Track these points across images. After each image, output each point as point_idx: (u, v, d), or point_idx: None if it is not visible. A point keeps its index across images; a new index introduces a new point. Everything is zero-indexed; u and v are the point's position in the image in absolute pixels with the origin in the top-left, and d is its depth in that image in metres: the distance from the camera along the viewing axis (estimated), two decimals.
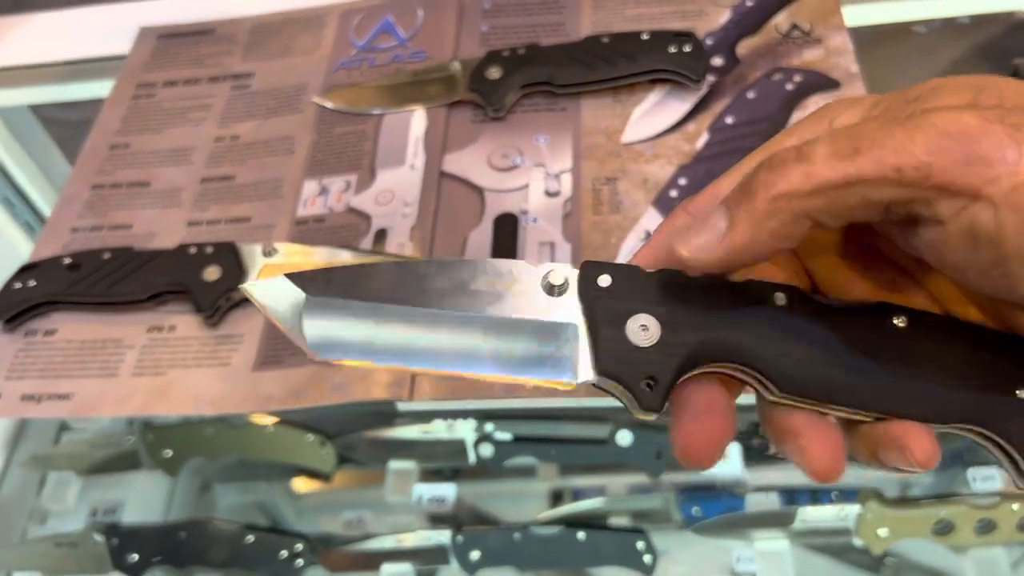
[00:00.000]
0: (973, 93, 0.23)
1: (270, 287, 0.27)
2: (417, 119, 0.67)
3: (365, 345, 0.26)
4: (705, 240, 0.26)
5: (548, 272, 0.27)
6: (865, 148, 0.23)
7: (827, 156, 0.23)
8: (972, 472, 0.61)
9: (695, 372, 0.27)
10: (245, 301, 0.58)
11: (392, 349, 0.26)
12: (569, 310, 0.27)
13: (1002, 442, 0.25)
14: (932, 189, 0.23)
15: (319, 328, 0.26)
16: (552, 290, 0.27)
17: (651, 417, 0.26)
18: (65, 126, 0.85)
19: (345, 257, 0.58)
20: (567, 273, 0.27)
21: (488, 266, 0.27)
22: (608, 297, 0.27)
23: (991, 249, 0.23)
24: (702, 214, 0.26)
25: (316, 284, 0.27)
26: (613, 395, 0.27)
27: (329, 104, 0.69)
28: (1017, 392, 0.25)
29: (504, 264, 0.27)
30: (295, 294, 0.27)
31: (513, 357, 0.26)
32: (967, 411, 0.25)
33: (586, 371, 0.26)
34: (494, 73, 0.65)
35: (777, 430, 0.27)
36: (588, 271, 0.27)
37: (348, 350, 0.26)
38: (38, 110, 0.84)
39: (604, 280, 0.27)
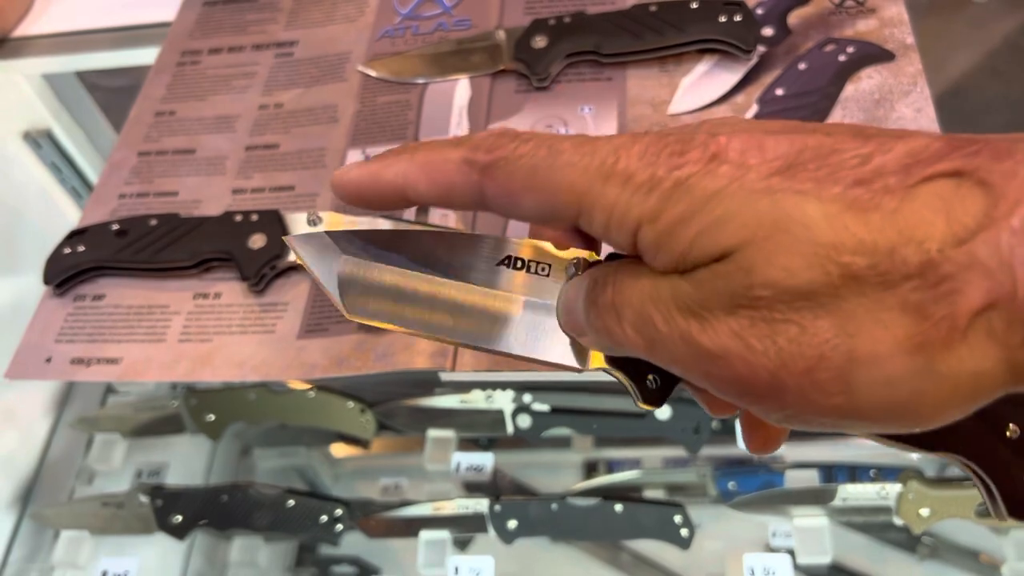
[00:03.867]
0: (739, 295, 0.21)
1: (312, 242, 0.28)
2: (461, 88, 0.66)
3: (392, 309, 0.28)
4: (574, 327, 0.27)
5: (573, 259, 0.28)
6: (657, 343, 0.23)
7: (633, 331, 0.24)
8: None
9: None
10: (290, 269, 0.58)
11: (414, 316, 0.28)
12: None
13: (986, 478, 0.25)
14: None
15: (351, 287, 0.27)
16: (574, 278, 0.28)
17: (654, 409, 0.27)
18: (109, 92, 0.85)
19: (386, 227, 0.58)
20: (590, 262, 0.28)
21: (515, 246, 0.28)
22: None
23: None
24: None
25: (353, 244, 0.28)
26: (622, 383, 0.28)
27: (373, 73, 0.68)
28: (1007, 431, 0.25)
29: (534, 246, 0.28)
30: (334, 252, 0.28)
31: (528, 336, 0.28)
32: (956, 442, 0.25)
33: (597, 359, 0.27)
34: (539, 42, 0.64)
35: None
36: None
37: (376, 312, 0.28)
38: (84, 76, 0.84)
39: None
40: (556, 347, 0.28)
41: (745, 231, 0.21)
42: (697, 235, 0.22)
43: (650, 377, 0.27)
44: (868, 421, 0.21)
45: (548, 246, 0.28)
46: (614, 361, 0.27)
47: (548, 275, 0.28)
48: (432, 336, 0.28)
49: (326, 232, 0.28)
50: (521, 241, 0.28)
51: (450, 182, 0.27)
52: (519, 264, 0.28)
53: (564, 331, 0.27)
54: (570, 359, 0.28)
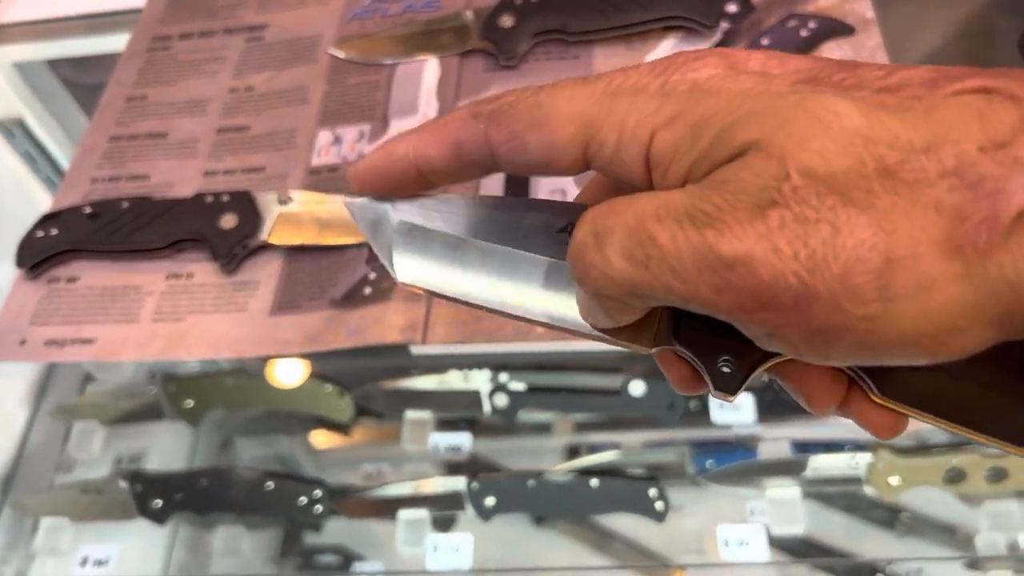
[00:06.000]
0: (768, 190, 0.19)
1: (368, 207, 0.27)
2: (430, 68, 0.67)
3: (445, 277, 0.26)
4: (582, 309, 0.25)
5: None
6: (654, 261, 0.20)
7: (621, 256, 0.21)
8: None
9: (779, 360, 0.24)
10: (261, 248, 0.59)
11: (468, 286, 0.26)
12: None
13: None
14: (724, 315, 0.21)
15: (406, 257, 0.26)
16: None
17: (730, 400, 0.24)
18: (86, 89, 0.85)
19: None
20: None
21: (576, 211, 0.25)
22: None
23: (796, 355, 0.21)
24: None
25: (409, 210, 0.26)
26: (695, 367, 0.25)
27: (343, 54, 0.69)
28: None
29: None
30: (389, 217, 0.27)
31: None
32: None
33: (666, 336, 0.25)
34: (507, 21, 0.65)
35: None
36: None
37: (429, 280, 0.26)
38: (61, 73, 0.84)
39: None
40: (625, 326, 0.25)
41: (774, 121, 0.20)
42: (721, 132, 0.20)
43: (723, 360, 0.24)
44: (901, 335, 0.19)
45: None
46: (683, 339, 0.25)
47: None
48: (487, 308, 0.26)
49: (383, 197, 0.27)
50: (580, 207, 0.25)
51: (457, 140, 0.25)
52: None
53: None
54: (635, 337, 0.25)
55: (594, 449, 0.69)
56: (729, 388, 0.24)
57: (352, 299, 0.55)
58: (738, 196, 0.19)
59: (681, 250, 0.20)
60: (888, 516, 0.63)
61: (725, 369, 0.24)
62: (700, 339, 0.24)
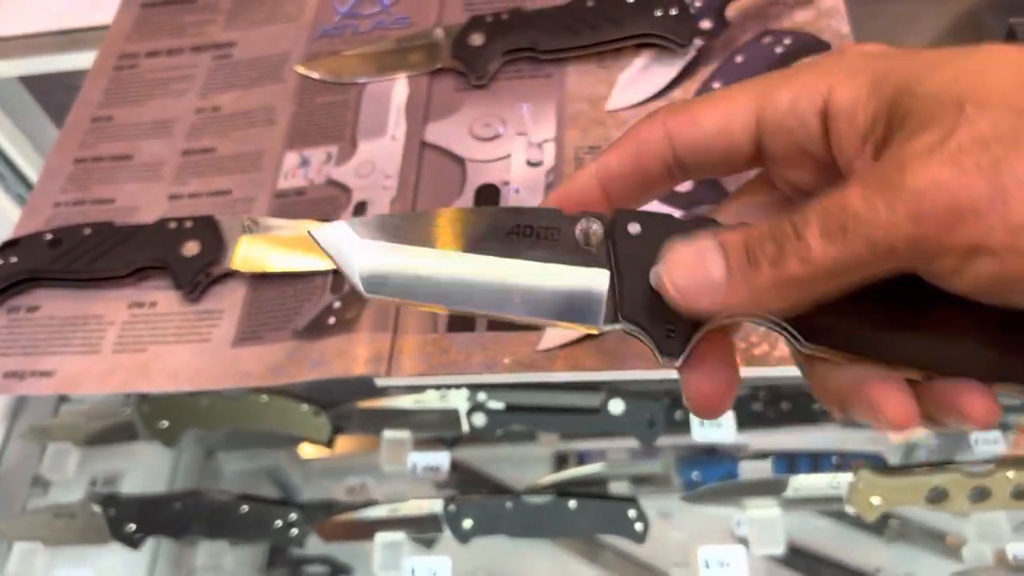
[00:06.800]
0: (945, 128, 0.22)
1: (331, 230, 0.29)
2: (399, 88, 0.65)
3: (407, 285, 0.28)
4: (695, 285, 0.26)
5: (581, 220, 0.29)
6: (851, 227, 0.22)
7: (820, 236, 0.23)
8: (976, 434, 0.60)
9: (718, 324, 0.27)
10: (225, 276, 0.58)
11: (432, 292, 0.28)
12: (600, 257, 0.28)
13: None
14: (929, 253, 0.22)
15: (370, 269, 0.28)
16: (586, 238, 0.28)
17: (674, 364, 0.27)
18: (71, 91, 0.84)
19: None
20: (600, 221, 0.29)
21: (523, 215, 0.29)
22: (636, 245, 0.28)
23: (996, 287, 0.22)
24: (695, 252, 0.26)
25: (371, 229, 0.29)
26: (641, 341, 0.28)
27: (313, 74, 0.68)
28: None
29: (541, 212, 0.29)
30: (352, 237, 0.29)
31: (544, 302, 0.28)
32: (1008, 367, 0.25)
33: (612, 316, 0.28)
34: (477, 39, 0.64)
35: (837, 391, 0.27)
36: (620, 218, 0.28)
37: (394, 289, 0.28)
38: (39, 77, 0.83)
39: (634, 228, 0.28)
40: (571, 312, 0.28)
41: (953, 70, 0.23)
42: (905, 84, 0.23)
43: (667, 329, 0.27)
44: None
45: (555, 211, 0.29)
46: (628, 318, 0.28)
47: (558, 240, 0.28)
48: (450, 309, 0.29)
49: (346, 221, 0.29)
50: (528, 208, 0.29)
51: (637, 141, 0.28)
52: (528, 232, 0.28)
53: (673, 299, 0.26)
54: (586, 321, 0.28)
55: (581, 456, 0.69)
56: (674, 351, 0.27)
57: (316, 329, 0.54)
58: (916, 141, 0.22)
59: (874, 201, 0.22)
60: (883, 528, 0.62)
61: (669, 335, 0.27)
62: (642, 314, 0.27)
